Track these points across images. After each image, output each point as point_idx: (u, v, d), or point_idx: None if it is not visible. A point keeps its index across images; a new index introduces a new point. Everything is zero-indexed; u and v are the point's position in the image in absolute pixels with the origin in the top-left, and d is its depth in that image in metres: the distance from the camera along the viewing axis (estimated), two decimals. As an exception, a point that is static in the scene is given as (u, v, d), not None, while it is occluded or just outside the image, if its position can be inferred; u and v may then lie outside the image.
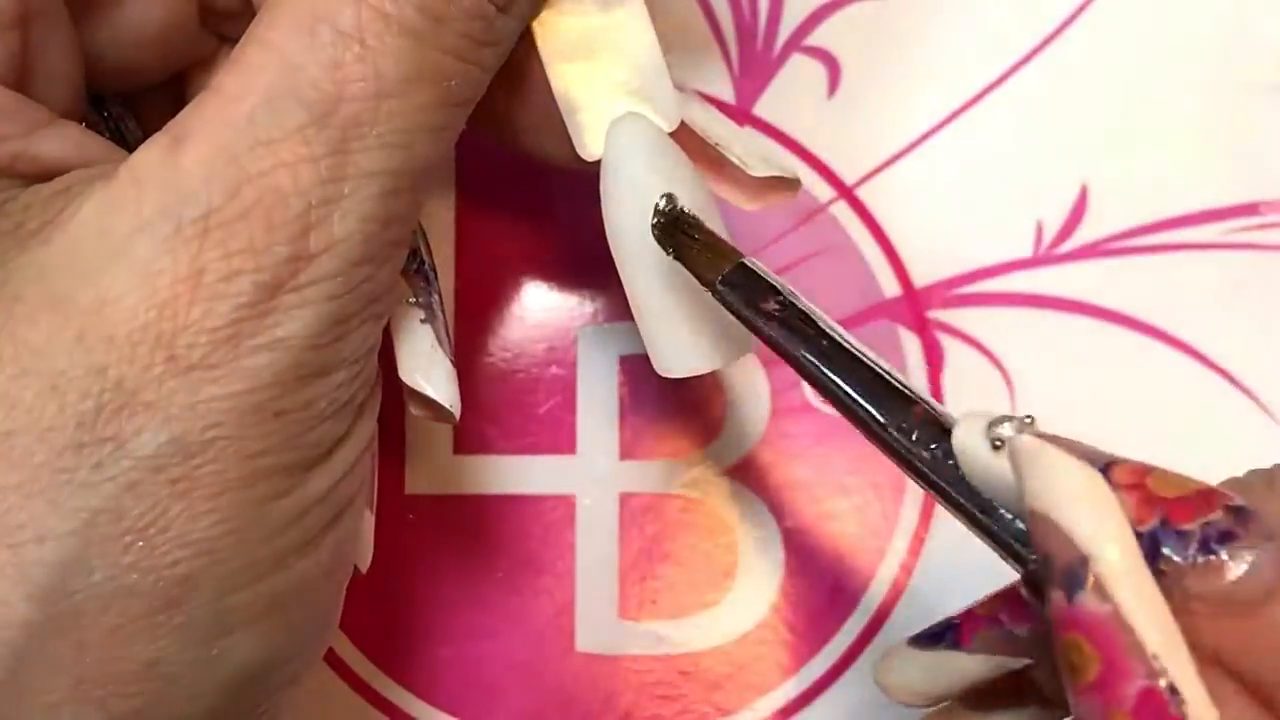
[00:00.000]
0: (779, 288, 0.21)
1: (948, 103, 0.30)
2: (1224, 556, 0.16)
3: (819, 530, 0.29)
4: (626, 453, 0.29)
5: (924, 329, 0.29)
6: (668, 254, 0.22)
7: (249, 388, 0.18)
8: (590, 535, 0.29)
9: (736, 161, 0.23)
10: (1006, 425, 0.18)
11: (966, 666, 0.21)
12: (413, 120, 0.19)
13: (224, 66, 0.19)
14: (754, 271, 0.21)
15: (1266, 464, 0.18)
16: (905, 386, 0.19)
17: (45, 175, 0.19)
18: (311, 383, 0.19)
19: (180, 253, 0.18)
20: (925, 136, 0.30)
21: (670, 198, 0.22)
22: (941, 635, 0.21)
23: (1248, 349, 0.29)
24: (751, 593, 0.29)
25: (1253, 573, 0.16)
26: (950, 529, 0.28)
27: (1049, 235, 0.29)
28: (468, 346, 0.29)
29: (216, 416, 0.18)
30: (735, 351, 0.23)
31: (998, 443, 0.18)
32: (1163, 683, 0.15)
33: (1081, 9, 0.30)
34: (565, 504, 0.29)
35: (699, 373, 0.23)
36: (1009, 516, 0.18)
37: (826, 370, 0.20)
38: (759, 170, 0.23)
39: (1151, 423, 0.28)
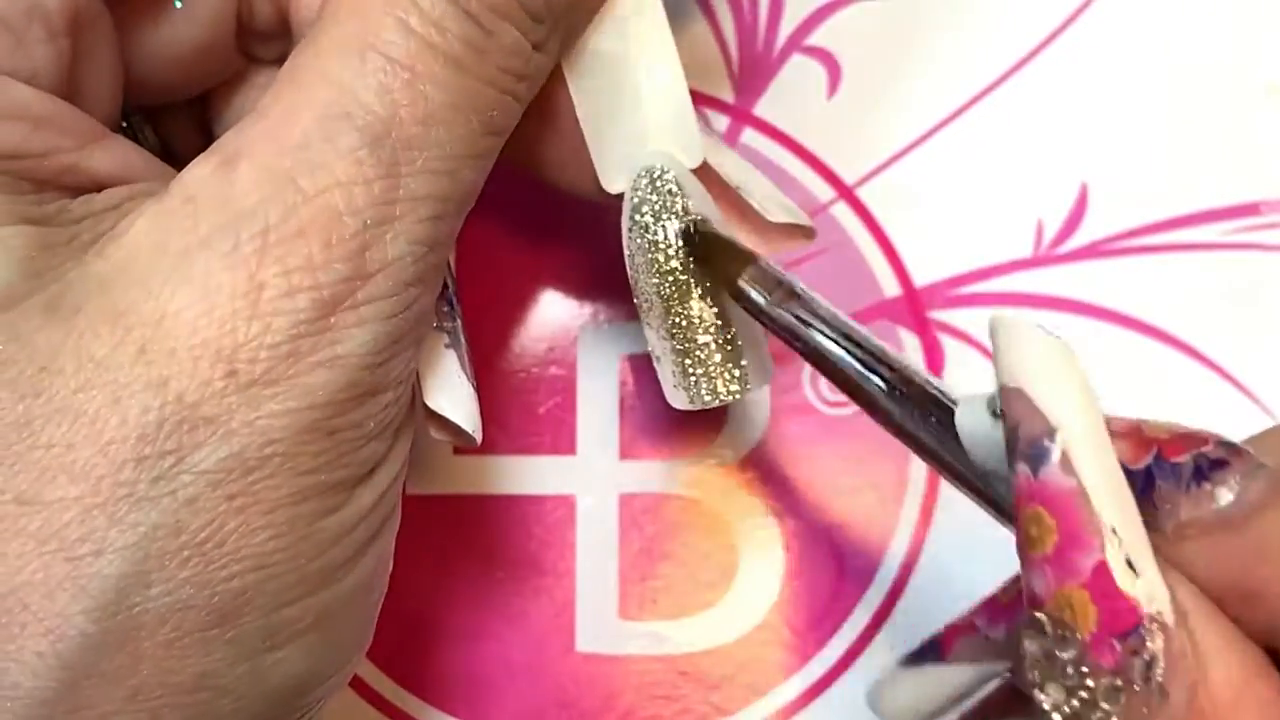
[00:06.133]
0: (791, 282, 0.22)
1: (948, 103, 0.30)
2: (1215, 483, 0.17)
3: (819, 530, 0.29)
4: (626, 453, 0.29)
5: (924, 329, 0.29)
6: (689, 262, 0.23)
7: (306, 405, 0.18)
8: (590, 535, 0.29)
9: (756, 206, 0.24)
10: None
11: (950, 678, 0.21)
12: (458, 147, 0.19)
13: (270, 90, 0.19)
14: (767, 269, 0.22)
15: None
16: (908, 368, 0.20)
17: (93, 189, 0.20)
18: (363, 402, 0.19)
19: (239, 269, 0.18)
20: (925, 136, 0.30)
21: (693, 214, 0.23)
22: (926, 651, 0.22)
23: (1248, 349, 0.29)
24: (751, 593, 0.29)
25: (1241, 495, 0.16)
26: (950, 528, 0.29)
27: (1049, 235, 0.29)
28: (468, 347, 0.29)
29: (275, 433, 0.18)
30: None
31: (998, 412, 0.18)
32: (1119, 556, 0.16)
33: (1082, 9, 0.30)
34: (565, 504, 0.29)
35: (709, 407, 0.24)
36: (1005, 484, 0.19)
37: (839, 356, 0.21)
38: (778, 216, 0.24)
39: (1151, 423, 0.29)
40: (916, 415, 0.19)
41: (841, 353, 0.21)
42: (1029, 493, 0.17)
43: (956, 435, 0.19)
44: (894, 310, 0.29)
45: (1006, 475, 0.18)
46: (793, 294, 0.22)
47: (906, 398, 0.20)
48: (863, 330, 0.21)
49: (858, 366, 0.20)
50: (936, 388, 0.20)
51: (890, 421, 0.20)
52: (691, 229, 0.23)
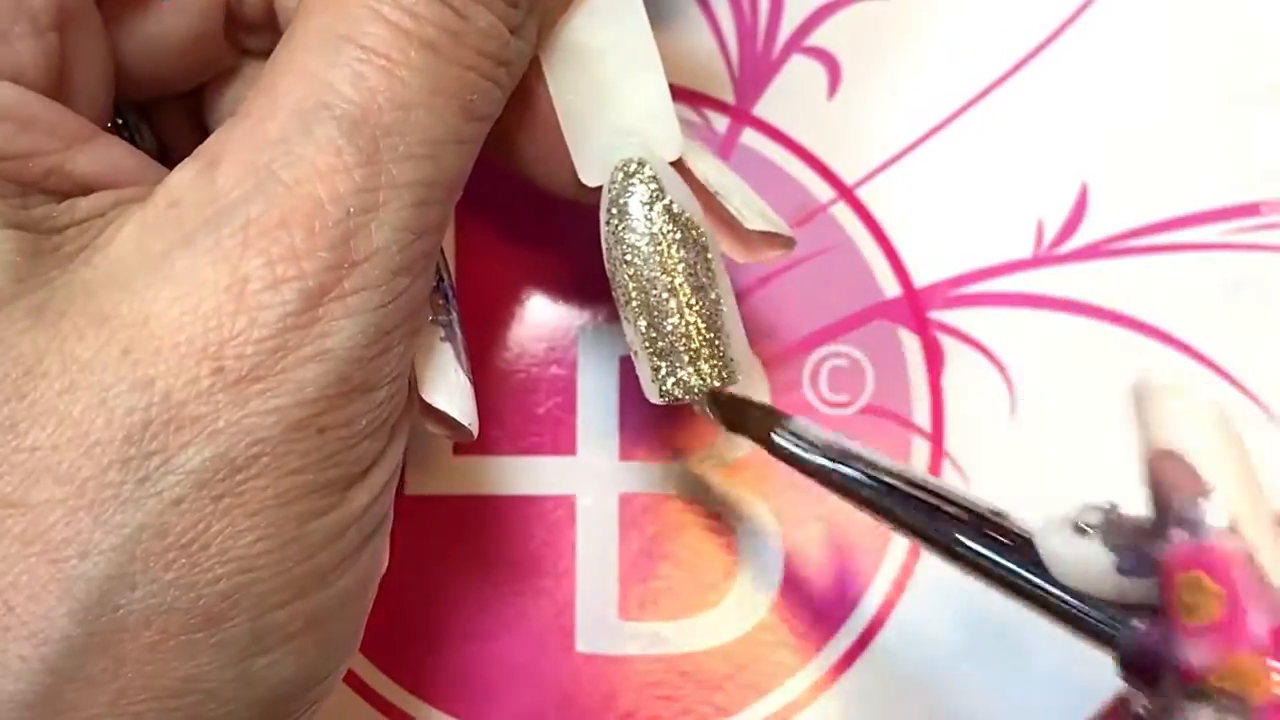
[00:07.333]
0: (829, 439, 0.23)
1: (948, 103, 0.30)
2: None
3: (819, 531, 0.29)
4: (626, 453, 0.29)
5: (924, 329, 0.29)
6: (667, 256, 0.23)
7: (295, 401, 0.18)
8: (590, 535, 0.29)
9: (734, 212, 0.23)
10: (1092, 513, 0.18)
11: None
12: (439, 131, 0.19)
13: (251, 91, 0.19)
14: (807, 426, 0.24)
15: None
16: (972, 503, 0.20)
17: (79, 192, 0.19)
18: (355, 399, 0.19)
19: (221, 264, 0.18)
20: (925, 136, 0.30)
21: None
22: None
23: (1248, 349, 0.29)
24: (751, 593, 0.29)
25: None
26: (950, 529, 0.29)
27: (1049, 235, 0.29)
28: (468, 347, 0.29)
29: (262, 432, 0.18)
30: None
31: (1084, 527, 0.18)
32: None
33: (1081, 9, 0.30)
34: (565, 504, 0.29)
35: (683, 402, 0.23)
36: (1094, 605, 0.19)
37: (893, 507, 0.21)
38: (755, 224, 0.23)
39: (1152, 423, 0.28)
40: (993, 548, 0.20)
41: (898, 496, 0.21)
42: (1189, 558, 0.16)
43: (1035, 560, 0.19)
44: (894, 310, 0.29)
45: (1099, 591, 0.18)
46: (836, 447, 0.23)
47: (977, 531, 0.20)
48: (918, 472, 0.21)
49: (924, 513, 0.21)
50: (1006, 517, 0.20)
51: (964, 559, 0.20)
52: (671, 226, 0.23)
